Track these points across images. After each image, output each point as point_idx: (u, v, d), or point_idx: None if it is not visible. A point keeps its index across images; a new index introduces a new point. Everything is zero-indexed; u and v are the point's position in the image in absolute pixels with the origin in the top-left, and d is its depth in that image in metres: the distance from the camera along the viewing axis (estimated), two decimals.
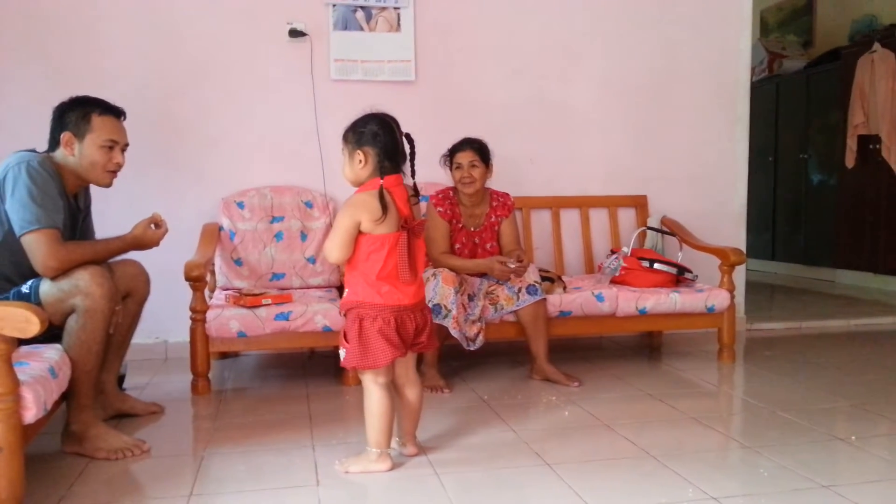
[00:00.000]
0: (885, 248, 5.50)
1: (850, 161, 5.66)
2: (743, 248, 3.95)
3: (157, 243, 2.50)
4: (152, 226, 2.48)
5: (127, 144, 2.46)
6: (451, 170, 3.19)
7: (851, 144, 5.63)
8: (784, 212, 6.69)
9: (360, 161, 2.06)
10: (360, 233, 2.03)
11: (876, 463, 2.16)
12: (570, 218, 3.96)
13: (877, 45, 5.41)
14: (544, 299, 3.07)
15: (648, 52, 4.04)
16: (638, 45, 4.02)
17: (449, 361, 3.18)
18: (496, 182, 3.35)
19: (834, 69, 5.99)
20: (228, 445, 2.34)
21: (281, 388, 3.10)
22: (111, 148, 2.38)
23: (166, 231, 2.52)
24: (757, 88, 6.79)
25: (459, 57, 3.84)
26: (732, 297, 3.35)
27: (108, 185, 2.45)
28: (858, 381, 3.10)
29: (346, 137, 2.10)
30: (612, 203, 3.98)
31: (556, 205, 3.93)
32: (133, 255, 2.55)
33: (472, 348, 2.99)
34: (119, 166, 2.43)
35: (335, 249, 2.04)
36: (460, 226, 3.21)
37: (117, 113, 2.43)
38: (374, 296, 2.05)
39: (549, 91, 3.94)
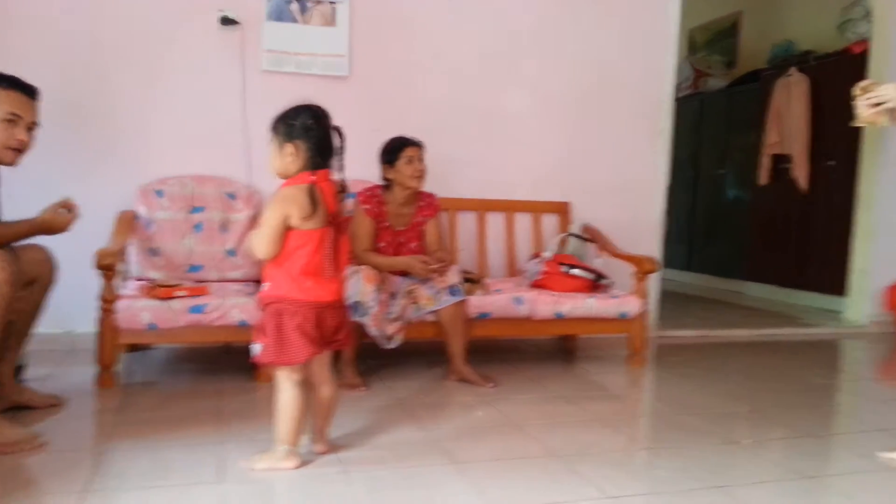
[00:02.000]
0: (790, 263, 5.79)
1: (763, 178, 5.93)
2: (658, 257, 4.09)
3: (66, 228, 2.42)
4: (63, 210, 2.40)
5: (35, 123, 2.37)
6: (389, 167, 3.18)
7: (765, 162, 5.90)
8: (701, 225, 6.95)
9: (291, 154, 2.04)
10: (287, 228, 2.01)
11: (767, 465, 2.28)
12: (495, 221, 4.02)
13: (793, 70, 5.69)
14: (465, 300, 3.11)
15: (580, 64, 4.13)
16: (571, 56, 4.12)
17: (367, 360, 3.18)
18: (426, 183, 3.37)
19: (753, 90, 6.26)
20: (132, 440, 2.28)
21: (192, 384, 3.03)
22: (13, 123, 2.28)
23: (77, 216, 2.44)
24: (682, 104, 7.03)
25: (395, 55, 3.85)
26: (644, 304, 3.47)
27: (11, 163, 2.33)
28: (758, 388, 3.26)
29: (275, 129, 2.07)
30: (537, 209, 4.06)
31: (482, 208, 3.98)
32: (41, 240, 2.46)
33: (389, 346, 3.00)
34: (22, 144, 2.32)
35: (264, 245, 2.02)
36: (386, 225, 3.22)
37: (27, 90, 2.33)
38: (297, 291, 2.03)
39: (482, 95, 3.99)
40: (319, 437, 2.22)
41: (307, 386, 2.13)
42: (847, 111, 2.18)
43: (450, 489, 2.00)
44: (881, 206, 4.68)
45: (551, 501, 1.93)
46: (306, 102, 2.09)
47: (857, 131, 4.83)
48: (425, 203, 3.30)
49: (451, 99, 3.95)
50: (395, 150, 3.17)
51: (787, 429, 2.65)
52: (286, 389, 2.07)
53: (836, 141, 5.29)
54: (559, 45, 4.10)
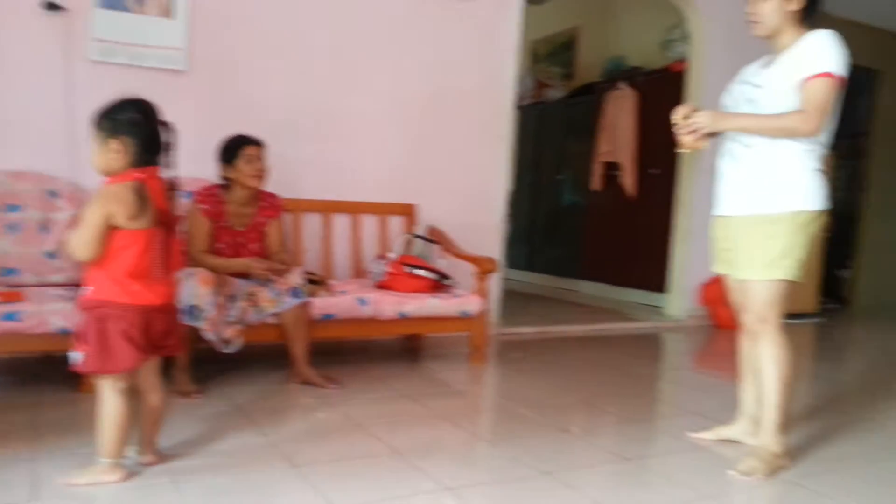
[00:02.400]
0: (618, 262, 6.22)
1: (596, 184, 6.34)
2: (499, 258, 4.25)
3: None
4: None
5: None
6: (228, 165, 3.10)
7: (598, 169, 6.31)
8: (541, 227, 7.30)
9: (115, 150, 1.93)
10: (111, 227, 1.90)
11: (594, 450, 2.45)
12: (341, 222, 4.01)
13: (622, 84, 6.12)
14: (307, 302, 3.07)
15: (426, 69, 4.21)
16: (417, 61, 4.18)
17: (204, 365, 3.06)
18: (270, 183, 3.31)
19: (588, 101, 6.66)
20: None
21: (5, 396, 2.78)
22: None
23: None
24: (525, 112, 7.37)
25: (238, 51, 3.73)
26: (485, 303, 3.59)
27: None
28: (588, 380, 3.47)
29: (99, 124, 1.95)
30: (383, 210, 4.09)
31: (328, 209, 3.95)
32: None
33: (227, 351, 2.91)
34: None
35: (84, 245, 1.89)
36: (224, 225, 3.12)
37: None
38: (122, 294, 1.93)
39: (328, 95, 3.96)
40: (147, 447, 2.11)
41: (134, 394, 2.03)
42: (668, 123, 2.38)
43: (289, 493, 1.98)
44: (697, 210, 5.14)
45: (390, 497, 1.96)
46: (132, 96, 1.99)
47: (674, 142, 5.26)
48: (267, 203, 3.23)
49: (296, 98, 3.88)
50: (233, 149, 3.09)
51: (613, 416, 2.85)
52: (109, 398, 1.95)
53: (660, 151, 5.73)
54: (406, 50, 4.15)
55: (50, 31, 3.32)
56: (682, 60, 5.58)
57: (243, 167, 3.07)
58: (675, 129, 2.35)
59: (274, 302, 3.01)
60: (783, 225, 2.23)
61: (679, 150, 2.39)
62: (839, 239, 6.68)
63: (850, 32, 6.55)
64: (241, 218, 3.17)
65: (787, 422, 2.37)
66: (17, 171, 3.24)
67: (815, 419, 2.90)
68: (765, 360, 2.29)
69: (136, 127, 1.94)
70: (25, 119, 3.31)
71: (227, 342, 2.90)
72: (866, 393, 3.45)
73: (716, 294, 4.84)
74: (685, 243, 5.28)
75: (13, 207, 3.15)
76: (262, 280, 3.02)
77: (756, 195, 2.28)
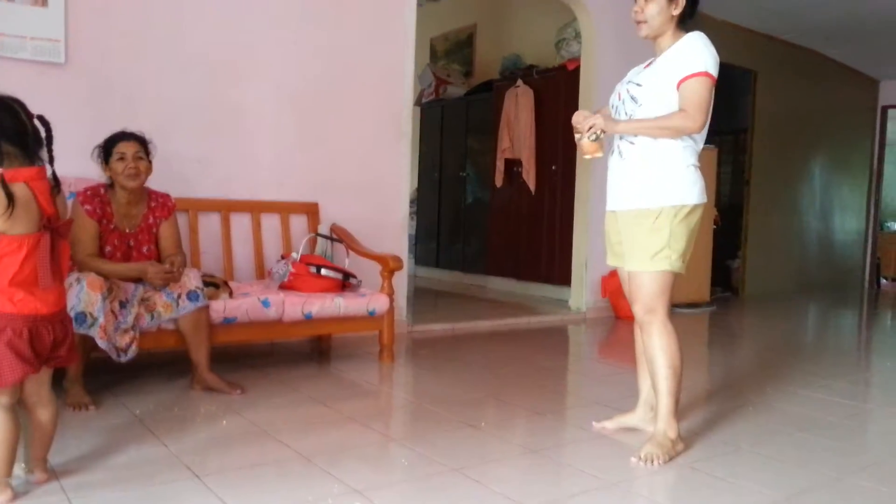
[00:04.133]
0: (524, 258, 6.35)
1: (498, 181, 6.44)
2: (404, 255, 4.24)
3: None
4: None
5: None
6: (105, 164, 2.94)
7: (500, 166, 6.41)
8: (447, 224, 7.36)
9: None
10: None
11: (501, 444, 2.48)
12: (241, 222, 3.89)
13: (520, 82, 6.24)
14: (207, 306, 2.97)
15: (322, 63, 4.14)
16: (312, 54, 4.11)
17: (99, 375, 2.91)
18: (161, 182, 3.17)
19: (488, 98, 6.76)
20: None
21: None
22: None
23: None
24: (426, 110, 7.42)
25: (121, 43, 3.54)
26: (391, 301, 3.58)
27: None
28: (497, 375, 3.53)
29: None
30: (284, 209, 4.01)
31: (226, 208, 3.83)
32: None
33: (122, 360, 2.77)
34: None
35: None
36: (112, 227, 2.96)
37: None
38: (5, 303, 1.80)
39: (220, 90, 3.83)
40: (37, 464, 1.98)
41: (22, 408, 1.90)
42: (565, 120, 2.46)
43: (191, 503, 1.90)
44: (595, 205, 5.31)
45: (296, 502, 1.92)
46: None
47: (573, 139, 5.42)
48: (158, 203, 3.09)
49: (188, 93, 3.73)
50: (108, 146, 2.94)
51: (520, 409, 2.90)
52: None
53: (558, 147, 5.90)
54: (302, 46, 4.07)
55: None
56: (575, 59, 5.74)
57: (116, 165, 2.91)
58: (576, 135, 2.42)
59: (170, 307, 2.90)
60: (663, 219, 2.33)
61: (584, 157, 2.47)
62: (728, 230, 7.09)
63: (731, 35, 7.01)
64: (129, 219, 3.02)
65: (681, 407, 2.48)
66: None
67: (710, 403, 3.06)
68: (654, 349, 2.39)
69: (8, 125, 1.81)
70: None
71: (121, 350, 2.77)
72: (756, 377, 3.66)
73: (616, 286, 5.03)
74: (585, 237, 5.45)
75: None
76: (156, 285, 2.89)
77: (638, 190, 2.38)
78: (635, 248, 2.38)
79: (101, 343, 2.68)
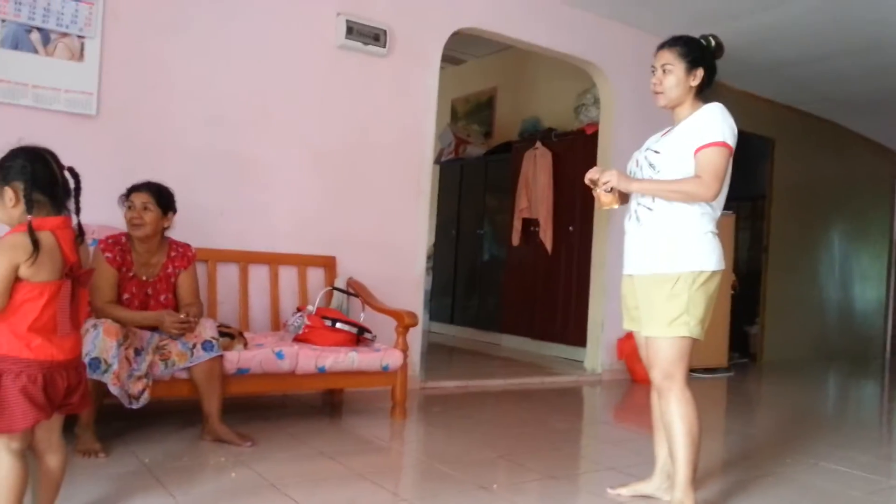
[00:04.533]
0: (539, 317, 6.32)
1: (515, 240, 6.47)
2: (419, 311, 4.24)
3: None
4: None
5: None
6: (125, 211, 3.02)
7: (517, 225, 6.45)
8: (462, 280, 7.37)
9: (11, 199, 1.84)
10: (16, 279, 1.79)
11: None
12: (258, 274, 3.92)
13: (539, 144, 6.33)
14: (221, 356, 2.97)
15: (344, 121, 4.23)
16: (333, 114, 4.20)
17: (111, 422, 2.90)
18: (183, 232, 3.21)
19: (507, 159, 6.85)
20: None
21: None
22: None
23: None
24: (445, 168, 7.53)
25: (150, 97, 3.65)
26: (405, 357, 3.57)
27: None
28: (509, 434, 3.48)
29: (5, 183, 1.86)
30: (301, 261, 4.04)
31: (245, 259, 3.87)
32: None
33: (134, 406, 2.77)
34: None
35: None
36: (131, 274, 3.00)
37: None
38: (22, 349, 1.80)
39: (243, 144, 3.91)
40: None
41: (31, 455, 1.89)
42: (582, 183, 2.50)
43: None
44: (611, 267, 5.30)
45: None
46: (26, 144, 1.91)
47: (591, 201, 5.44)
48: (178, 253, 3.13)
49: (211, 147, 3.81)
50: (124, 197, 3.02)
51: (533, 472, 2.84)
52: (3, 460, 1.81)
53: (575, 208, 5.94)
54: (324, 101, 4.17)
55: None
56: (593, 123, 5.83)
57: (125, 214, 2.98)
58: (592, 187, 2.45)
59: (185, 356, 2.90)
60: (681, 284, 2.32)
61: (600, 208, 2.48)
62: (746, 296, 7.03)
63: (750, 104, 7.10)
64: (148, 268, 3.05)
65: (699, 476, 2.42)
66: None
67: (727, 473, 2.98)
68: (672, 416, 2.35)
69: (26, 171, 1.85)
70: None
71: (133, 398, 2.76)
72: (775, 446, 3.57)
73: (632, 349, 4.97)
74: (601, 298, 5.42)
75: None
76: (173, 334, 2.90)
77: (656, 255, 2.38)
78: (653, 313, 2.37)
79: (114, 389, 2.68)
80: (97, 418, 2.74)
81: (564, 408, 4.38)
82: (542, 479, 2.76)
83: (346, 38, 4.15)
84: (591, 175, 2.46)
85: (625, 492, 2.59)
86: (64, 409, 1.94)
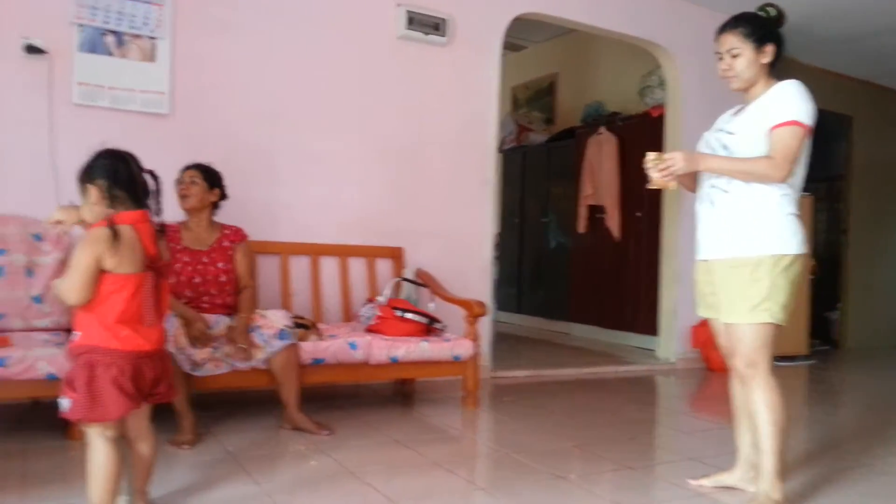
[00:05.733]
0: (608, 305, 6.23)
1: (581, 227, 6.38)
2: (488, 301, 4.23)
3: None
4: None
5: None
6: None
7: (582, 212, 6.36)
8: (528, 269, 7.32)
9: (95, 196, 1.92)
10: (101, 271, 1.86)
11: (592, 498, 2.39)
12: (329, 266, 3.98)
13: (603, 129, 6.22)
14: (296, 345, 3.03)
15: (406, 113, 4.24)
16: (396, 105, 4.21)
17: (197, 411, 2.99)
18: (255, 225, 3.30)
19: (570, 145, 6.75)
20: None
21: None
22: None
23: None
24: (508, 156, 7.47)
25: (218, 95, 3.73)
26: (476, 347, 3.56)
27: None
28: (584, 424, 3.43)
29: (80, 178, 1.95)
30: (370, 253, 4.07)
31: (315, 252, 3.93)
32: None
33: (196, 373, 2.84)
34: None
35: (75, 290, 1.85)
36: (180, 247, 3.12)
37: None
38: (111, 340, 1.88)
39: (309, 139, 3.96)
40: (139, 496, 2.04)
41: (124, 442, 1.96)
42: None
43: None
44: (682, 253, 5.17)
45: None
46: (106, 147, 1.99)
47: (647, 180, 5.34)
48: (231, 231, 3.26)
49: (279, 142, 3.88)
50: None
51: (610, 462, 2.80)
52: (99, 448, 1.89)
53: (642, 194, 5.79)
54: (387, 93, 4.19)
55: (33, 74, 3.32)
56: (659, 106, 5.69)
57: (176, 189, 3.12)
58: (647, 168, 2.34)
59: (262, 347, 2.96)
60: (763, 269, 2.24)
61: (649, 187, 2.39)
62: (826, 281, 6.76)
63: (826, 81, 6.80)
64: (201, 242, 3.18)
65: (785, 467, 2.34)
66: (1, 215, 3.19)
67: (813, 464, 2.87)
68: (757, 405, 2.27)
69: (110, 172, 1.93)
70: (10, 163, 3.28)
71: (196, 364, 2.85)
72: (862, 437, 3.43)
73: (707, 337, 4.85)
74: (673, 285, 5.30)
75: None
76: (191, 336, 2.91)
77: (735, 239, 2.29)
78: (733, 299, 2.29)
79: (173, 350, 2.75)
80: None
81: (639, 397, 4.30)
82: (619, 469, 2.72)
83: (407, 28, 4.15)
84: (651, 156, 2.33)
85: (707, 483, 2.52)
86: (152, 399, 2.01)
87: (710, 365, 5.18)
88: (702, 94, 5.17)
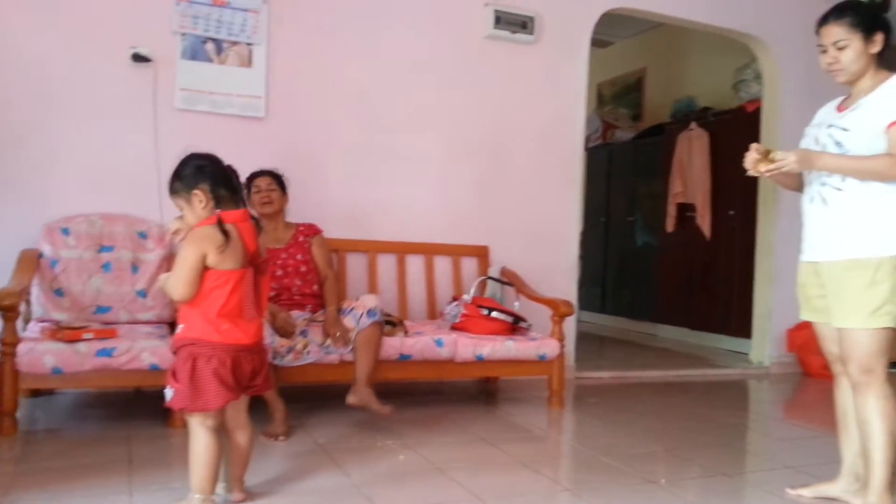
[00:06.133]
0: (697, 306, 6.05)
1: (669, 225, 6.22)
2: (574, 300, 4.18)
3: None
4: None
5: None
6: (249, 202, 3.26)
7: (671, 211, 6.19)
8: (613, 269, 7.19)
9: (201, 200, 2.00)
10: (204, 267, 1.95)
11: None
12: (415, 264, 4.03)
13: (694, 125, 6.03)
14: (380, 323, 3.10)
15: (492, 112, 4.24)
16: (482, 105, 4.22)
17: (288, 404, 3.09)
18: (342, 225, 3.39)
19: (658, 142, 6.58)
20: (34, 491, 2.13)
21: (100, 430, 2.88)
22: None
23: None
24: (593, 154, 7.36)
25: (311, 99, 3.84)
26: (562, 346, 3.53)
27: None
28: (673, 428, 3.35)
29: (174, 189, 2.03)
30: (455, 252, 4.10)
31: (401, 250, 3.98)
32: None
33: (276, 362, 2.91)
34: None
35: (181, 286, 1.94)
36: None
37: None
38: (213, 333, 1.97)
39: (396, 140, 4.02)
40: (236, 484, 2.13)
41: (222, 432, 2.05)
42: (743, 166, 2.30)
43: None
44: (779, 253, 4.96)
45: None
46: (192, 152, 2.07)
47: (753, 184, 5.15)
48: (305, 227, 3.43)
49: (368, 144, 3.96)
50: (248, 183, 3.28)
51: (702, 468, 2.72)
52: (200, 436, 1.98)
53: (735, 192, 5.61)
54: (475, 94, 4.20)
55: (139, 81, 3.50)
56: (754, 100, 5.47)
57: (253, 198, 3.29)
58: (751, 158, 2.24)
59: (353, 329, 3.05)
60: (884, 271, 2.11)
61: (749, 174, 2.28)
62: None
63: None
64: (278, 240, 3.35)
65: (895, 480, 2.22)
66: (109, 214, 3.39)
67: None
68: (871, 413, 2.15)
69: (205, 170, 2.01)
70: (118, 165, 3.48)
71: (278, 353, 2.93)
72: None
73: (805, 340, 4.65)
74: (768, 287, 5.09)
75: (106, 248, 3.29)
76: (276, 326, 3.00)
77: (852, 240, 2.17)
78: (849, 303, 2.17)
79: (269, 338, 2.84)
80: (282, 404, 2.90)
81: (730, 402, 4.16)
82: (712, 475, 2.64)
83: (495, 27, 4.15)
84: (756, 150, 2.22)
85: (807, 493, 2.42)
86: (250, 391, 2.09)
87: (806, 370, 4.95)
88: (801, 87, 4.94)
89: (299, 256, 3.34)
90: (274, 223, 3.34)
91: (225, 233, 1.95)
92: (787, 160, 2.17)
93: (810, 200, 2.31)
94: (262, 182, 3.31)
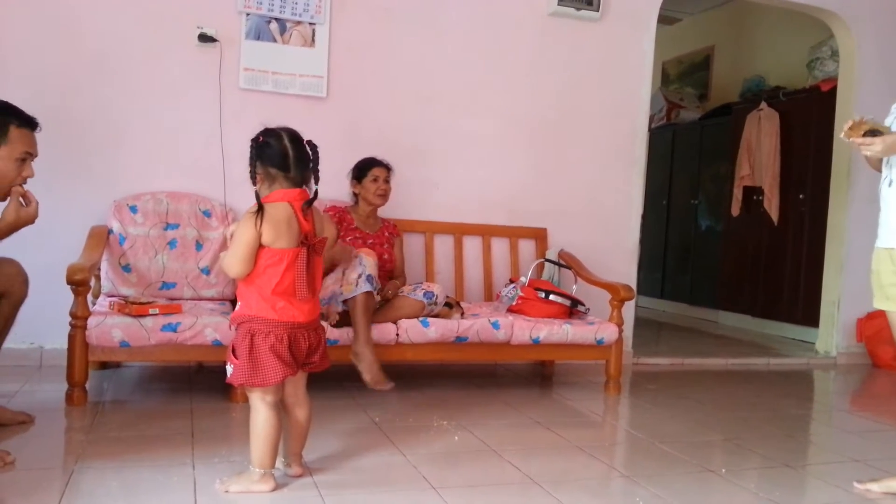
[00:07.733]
0: (762, 293, 5.87)
1: (735, 209, 6.03)
2: (634, 284, 4.10)
3: (35, 217, 2.35)
4: (21, 201, 2.33)
5: (36, 156, 2.36)
6: (357, 182, 3.40)
7: (737, 194, 6.00)
8: (674, 253, 7.03)
9: (261, 176, 2.04)
10: (260, 246, 1.98)
11: (745, 495, 2.28)
12: (472, 245, 4.02)
13: (764, 105, 5.81)
14: (371, 293, 2.98)
15: (553, 91, 4.17)
16: (544, 84, 4.15)
17: (342, 382, 3.14)
18: (401, 204, 3.42)
19: (725, 122, 6.38)
20: (102, 460, 2.21)
21: (164, 403, 2.97)
22: (25, 161, 2.30)
23: (37, 202, 2.36)
24: (655, 135, 7.18)
25: (371, 78, 3.85)
26: (621, 331, 3.48)
27: (4, 198, 2.33)
28: (732, 417, 3.27)
29: (251, 163, 2.06)
30: (513, 233, 4.07)
31: (459, 231, 3.97)
32: (12, 253, 2.40)
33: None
34: (25, 180, 2.33)
35: (236, 263, 1.98)
36: (353, 226, 3.39)
37: (34, 125, 2.34)
38: (269, 311, 2.00)
39: (456, 120, 4.00)
40: (294, 459, 2.17)
41: (282, 408, 2.09)
42: (816, 145, 2.21)
43: None
44: (851, 240, 4.76)
45: None
46: (271, 126, 2.09)
47: (826, 167, 4.94)
48: (389, 224, 3.56)
49: (427, 123, 3.95)
50: (364, 168, 3.39)
51: (763, 458, 2.65)
52: (260, 411, 2.02)
53: (806, 175, 5.40)
54: (536, 73, 4.14)
55: (204, 61, 3.57)
56: (829, 79, 5.24)
57: (369, 185, 3.37)
58: (847, 128, 2.14)
59: (351, 286, 2.97)
60: None
61: (841, 136, 2.19)
62: None
63: None
64: (369, 227, 3.43)
65: None
66: (175, 192, 3.48)
67: None
68: None
69: (262, 154, 2.03)
70: (184, 144, 3.56)
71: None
72: None
73: (876, 331, 4.47)
74: (838, 274, 4.90)
75: (172, 225, 3.38)
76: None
77: None
78: None
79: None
80: (328, 377, 2.86)
81: (795, 392, 4.04)
82: (775, 466, 2.57)
83: (559, 4, 4.07)
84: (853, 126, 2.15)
85: (876, 488, 2.33)
86: (307, 367, 2.12)
87: (876, 361, 4.76)
88: (880, 66, 4.70)
89: (384, 245, 3.44)
90: (371, 213, 3.46)
91: (261, 207, 1.96)
92: (872, 147, 2.06)
93: (889, 184, 2.21)
94: (382, 173, 3.39)
